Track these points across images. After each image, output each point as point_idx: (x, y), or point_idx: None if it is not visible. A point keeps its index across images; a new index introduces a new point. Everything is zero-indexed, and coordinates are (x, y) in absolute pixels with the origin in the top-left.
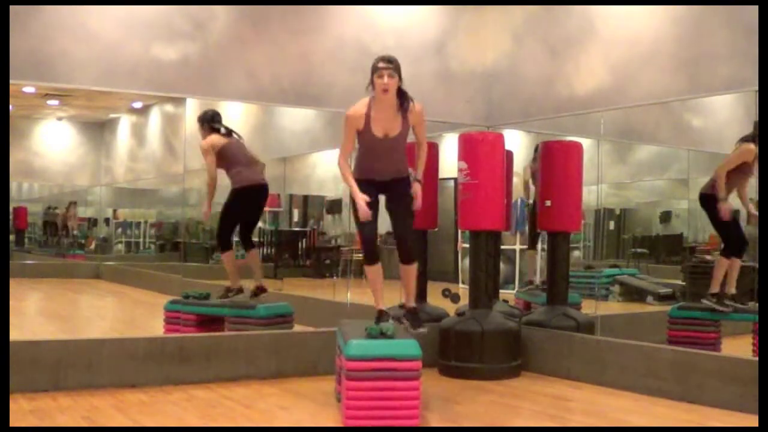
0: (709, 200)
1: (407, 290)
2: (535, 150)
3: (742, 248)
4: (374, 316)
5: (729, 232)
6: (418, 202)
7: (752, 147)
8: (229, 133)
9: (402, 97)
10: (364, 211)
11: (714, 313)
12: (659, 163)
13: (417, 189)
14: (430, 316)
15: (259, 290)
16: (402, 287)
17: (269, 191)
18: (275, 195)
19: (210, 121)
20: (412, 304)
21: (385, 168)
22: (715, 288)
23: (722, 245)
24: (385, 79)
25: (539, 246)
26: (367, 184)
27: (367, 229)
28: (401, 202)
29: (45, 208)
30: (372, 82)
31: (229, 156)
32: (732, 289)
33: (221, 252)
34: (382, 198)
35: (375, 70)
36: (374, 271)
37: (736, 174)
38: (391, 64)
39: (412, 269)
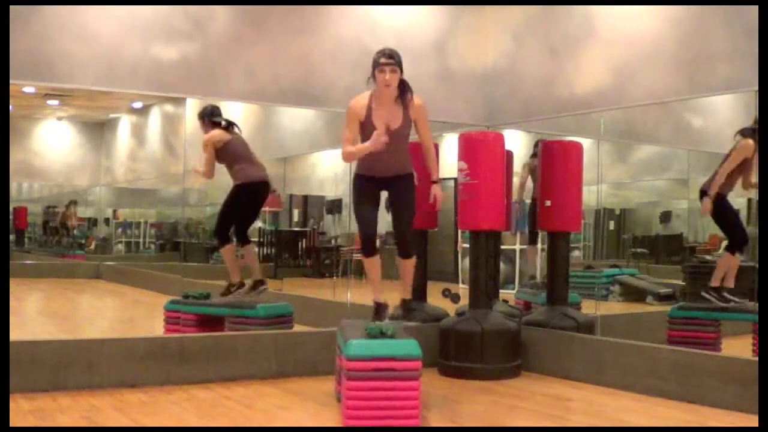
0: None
1: (404, 283)
2: (535, 146)
3: (744, 243)
4: (372, 309)
5: (733, 228)
6: (438, 205)
7: (751, 143)
8: (230, 125)
9: (402, 87)
10: (378, 134)
11: (712, 312)
12: (659, 163)
13: (436, 191)
14: (430, 316)
15: (258, 284)
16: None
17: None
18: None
19: (210, 116)
20: (408, 296)
21: (387, 163)
22: (715, 282)
23: (726, 242)
24: (387, 75)
25: (539, 245)
26: (368, 180)
27: (366, 223)
28: (402, 198)
29: (44, 207)
30: (373, 76)
31: (232, 152)
32: (730, 285)
33: (220, 246)
34: (383, 195)
35: (376, 64)
36: (372, 262)
37: (737, 170)
38: (392, 59)
39: (410, 263)
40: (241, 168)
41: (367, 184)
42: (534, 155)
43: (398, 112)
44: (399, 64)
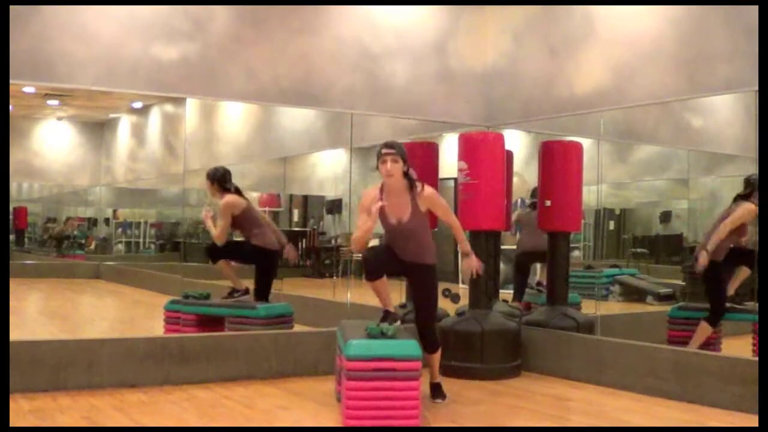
0: (709, 265)
1: (432, 370)
2: (532, 195)
3: (720, 317)
4: (380, 315)
5: (717, 297)
6: (475, 272)
7: (753, 207)
8: (239, 192)
9: (410, 182)
10: (376, 205)
11: None
12: (659, 163)
13: (471, 263)
14: None
15: (245, 292)
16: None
17: (268, 191)
18: (275, 195)
19: (221, 180)
20: (436, 379)
21: (404, 249)
22: (693, 347)
23: (708, 311)
24: (388, 165)
25: None
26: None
27: (372, 260)
28: (422, 291)
29: (44, 221)
30: (377, 167)
31: (249, 218)
32: (731, 292)
33: (213, 263)
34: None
35: (378, 155)
36: (377, 284)
37: (734, 232)
38: (392, 149)
39: (435, 357)
40: (262, 232)
41: (390, 253)
42: (530, 205)
43: (408, 205)
44: (400, 152)
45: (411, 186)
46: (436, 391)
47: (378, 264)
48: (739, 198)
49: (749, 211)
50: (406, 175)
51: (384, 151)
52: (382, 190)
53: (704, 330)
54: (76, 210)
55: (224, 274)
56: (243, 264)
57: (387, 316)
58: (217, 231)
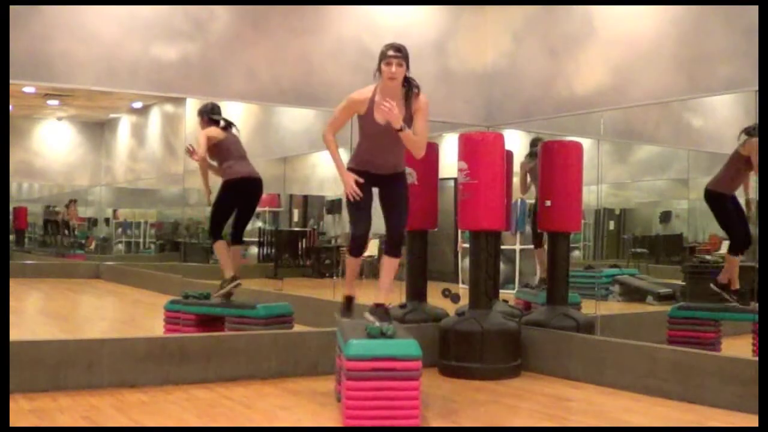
0: (714, 197)
1: (383, 283)
2: (532, 145)
3: (747, 245)
4: (342, 302)
5: (736, 229)
6: (389, 107)
7: (755, 140)
8: (228, 126)
9: (408, 84)
10: (352, 188)
11: (712, 312)
12: (659, 163)
13: (394, 108)
14: (430, 316)
15: (232, 279)
16: (379, 281)
17: (268, 191)
18: (275, 195)
19: (210, 113)
20: (382, 300)
21: (384, 159)
22: (724, 279)
23: (729, 242)
24: (393, 68)
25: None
26: (362, 175)
27: (360, 226)
28: (399, 197)
29: (45, 207)
30: (379, 69)
31: (223, 149)
32: (735, 285)
33: (212, 242)
34: (375, 193)
35: (383, 56)
36: (358, 262)
37: (745, 168)
38: (400, 53)
39: (395, 263)
40: (229, 165)
41: (361, 176)
42: (530, 155)
43: (401, 108)
44: (406, 57)
45: (408, 92)
46: (383, 315)
47: (366, 240)
48: (746, 134)
49: (754, 145)
50: (406, 79)
51: (391, 53)
52: (375, 91)
53: (731, 262)
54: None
55: (218, 257)
56: (237, 209)
57: (349, 302)
58: (197, 148)
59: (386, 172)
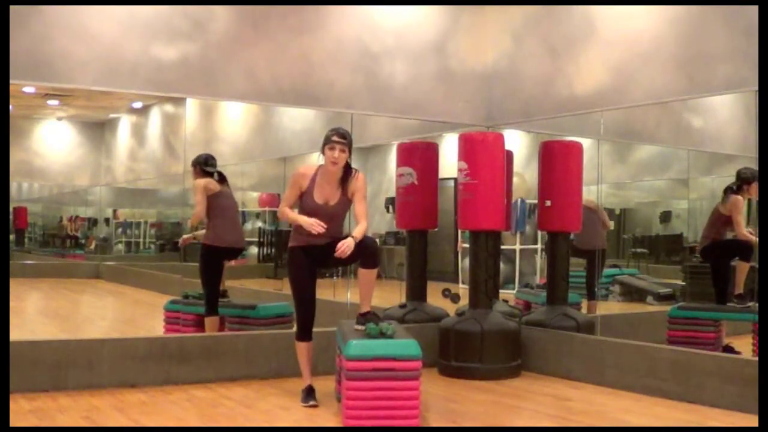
0: (708, 250)
1: (365, 296)
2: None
3: (751, 249)
4: (303, 392)
5: (738, 243)
6: (343, 249)
7: (741, 198)
8: (222, 179)
9: (347, 172)
10: (314, 223)
11: (712, 312)
12: (659, 163)
13: (349, 241)
14: (430, 316)
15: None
16: (360, 293)
17: (268, 191)
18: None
19: (204, 164)
20: (367, 309)
21: (324, 236)
22: (740, 289)
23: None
24: (336, 153)
25: None
26: (305, 251)
27: (308, 304)
28: (342, 235)
29: (58, 221)
30: (323, 151)
31: (214, 205)
32: (739, 290)
33: (206, 315)
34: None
35: (327, 141)
36: (307, 347)
37: (725, 227)
38: (345, 139)
39: (373, 273)
40: (215, 226)
41: (304, 257)
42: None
43: (339, 190)
44: (349, 144)
45: (345, 176)
46: (372, 318)
47: (312, 323)
48: (729, 191)
49: (739, 202)
50: (347, 165)
51: (335, 139)
52: (317, 172)
53: (743, 268)
54: (76, 210)
55: (207, 330)
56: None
57: (310, 392)
58: (196, 208)
59: (324, 241)
